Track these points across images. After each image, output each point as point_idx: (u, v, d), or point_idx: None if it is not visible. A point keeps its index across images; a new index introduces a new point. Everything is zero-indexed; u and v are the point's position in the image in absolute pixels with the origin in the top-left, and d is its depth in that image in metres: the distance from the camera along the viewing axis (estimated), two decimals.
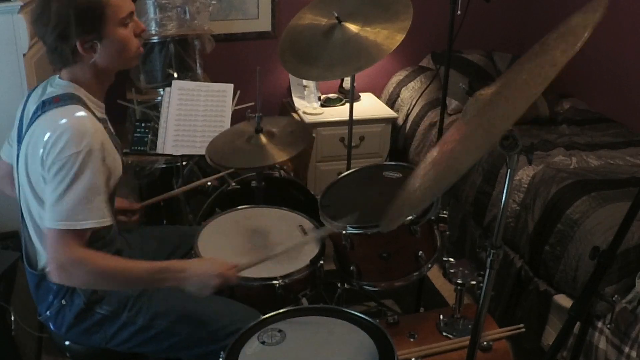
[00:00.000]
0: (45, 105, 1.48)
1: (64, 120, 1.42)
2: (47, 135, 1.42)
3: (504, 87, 1.12)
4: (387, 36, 2.10)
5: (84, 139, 1.40)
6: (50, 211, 1.42)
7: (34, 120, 1.48)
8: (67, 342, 1.69)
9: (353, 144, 2.69)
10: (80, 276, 1.47)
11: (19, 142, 1.54)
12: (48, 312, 1.62)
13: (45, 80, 1.58)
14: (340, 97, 3.48)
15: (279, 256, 1.76)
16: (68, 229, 1.41)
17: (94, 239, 1.59)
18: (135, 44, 1.56)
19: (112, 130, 1.59)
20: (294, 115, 3.34)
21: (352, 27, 2.18)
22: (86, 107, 1.49)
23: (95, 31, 1.45)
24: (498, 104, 1.07)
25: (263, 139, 2.04)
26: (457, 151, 1.09)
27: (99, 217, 1.44)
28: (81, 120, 1.44)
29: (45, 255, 1.54)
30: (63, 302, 1.60)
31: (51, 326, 1.66)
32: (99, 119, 1.51)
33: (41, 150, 1.42)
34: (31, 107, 1.54)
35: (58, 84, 1.52)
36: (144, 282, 1.55)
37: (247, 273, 1.74)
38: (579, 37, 0.96)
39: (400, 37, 2.07)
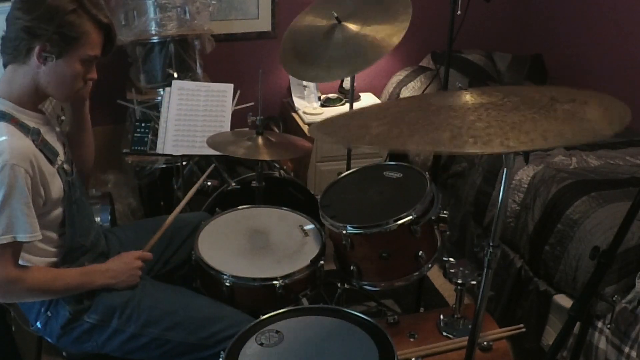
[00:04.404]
0: None
1: None
2: None
3: (493, 107, 1.11)
4: (385, 37, 2.10)
5: None
6: None
7: None
8: (63, 347, 1.70)
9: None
10: (16, 294, 1.52)
11: None
12: (38, 323, 1.64)
13: None
14: (340, 97, 3.48)
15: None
16: None
17: (72, 247, 1.62)
18: (78, 85, 1.54)
19: (46, 139, 1.54)
20: (294, 115, 3.35)
21: (352, 27, 2.19)
22: (13, 120, 1.46)
23: (59, 48, 1.44)
24: (478, 121, 1.06)
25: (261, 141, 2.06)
26: (416, 131, 1.07)
27: (22, 232, 1.43)
28: None
29: None
30: (49, 313, 1.61)
31: (43, 335, 1.68)
32: (31, 131, 1.49)
33: None
34: None
35: None
36: (76, 286, 1.60)
37: (247, 274, 1.75)
38: (579, 137, 0.97)
39: (396, 39, 2.07)
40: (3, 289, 1.47)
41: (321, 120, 1.28)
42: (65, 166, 1.59)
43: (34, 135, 1.50)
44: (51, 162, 1.53)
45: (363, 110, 1.33)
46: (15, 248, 1.45)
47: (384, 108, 1.29)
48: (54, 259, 1.61)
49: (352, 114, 1.29)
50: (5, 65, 1.52)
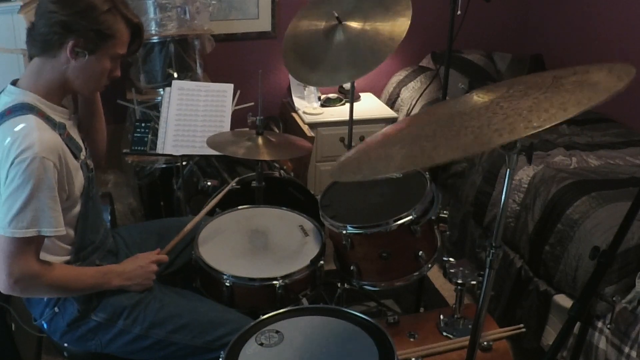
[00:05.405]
0: None
1: (12, 133, 1.41)
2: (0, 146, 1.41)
3: (503, 100, 1.11)
4: (389, 33, 2.09)
5: (29, 150, 1.38)
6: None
7: None
8: (65, 344, 1.69)
9: (353, 144, 2.69)
10: (34, 289, 1.51)
11: None
12: (42, 319, 1.63)
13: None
14: (340, 97, 3.48)
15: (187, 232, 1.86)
16: (15, 237, 1.40)
17: (84, 245, 1.61)
18: (104, 81, 1.58)
19: (71, 134, 1.55)
20: (294, 115, 3.35)
21: (354, 25, 2.19)
22: (41, 114, 1.46)
23: (92, 45, 1.47)
24: (495, 116, 1.07)
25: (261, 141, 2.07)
26: (439, 143, 1.09)
27: (47, 226, 1.42)
28: (28, 131, 1.41)
29: None
30: (56, 309, 1.60)
31: (46, 332, 1.67)
32: (57, 125, 1.49)
33: None
34: None
35: (12, 93, 1.50)
36: (93, 286, 1.60)
37: (247, 274, 1.75)
38: (596, 98, 0.97)
39: (400, 36, 2.07)
40: (23, 283, 1.45)
41: (338, 164, 1.28)
42: (88, 162, 1.61)
43: (61, 129, 1.50)
44: (76, 157, 1.54)
45: (372, 141, 1.32)
46: (39, 242, 1.45)
47: (394, 132, 1.30)
48: (67, 257, 1.61)
49: (364, 149, 1.29)
50: (31, 58, 1.52)
